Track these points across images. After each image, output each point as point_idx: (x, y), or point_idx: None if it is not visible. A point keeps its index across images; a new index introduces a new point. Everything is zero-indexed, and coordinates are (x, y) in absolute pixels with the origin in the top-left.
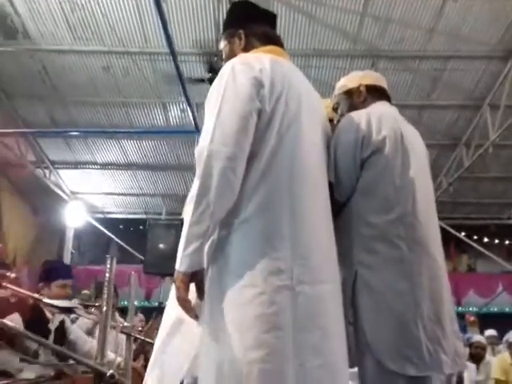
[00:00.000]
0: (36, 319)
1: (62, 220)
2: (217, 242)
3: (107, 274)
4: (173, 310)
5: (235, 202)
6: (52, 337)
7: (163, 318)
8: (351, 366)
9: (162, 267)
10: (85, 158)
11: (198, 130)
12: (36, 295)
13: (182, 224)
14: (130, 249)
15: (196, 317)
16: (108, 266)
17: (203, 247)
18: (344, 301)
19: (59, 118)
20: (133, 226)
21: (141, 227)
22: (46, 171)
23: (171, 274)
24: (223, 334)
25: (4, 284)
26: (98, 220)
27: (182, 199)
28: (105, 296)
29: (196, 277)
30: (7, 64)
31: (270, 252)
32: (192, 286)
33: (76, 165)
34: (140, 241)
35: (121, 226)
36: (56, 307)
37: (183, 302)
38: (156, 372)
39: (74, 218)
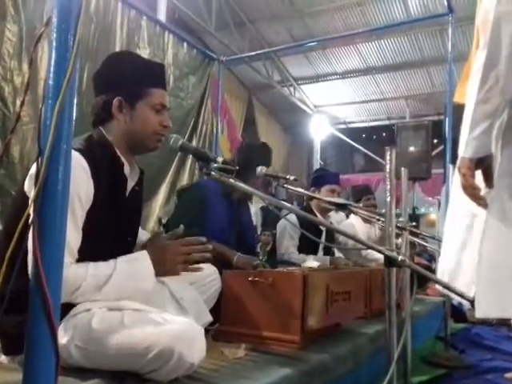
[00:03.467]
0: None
1: (308, 134)
2: (508, 122)
3: (388, 166)
4: (459, 202)
5: None
6: (324, 235)
7: (449, 215)
8: None
9: (412, 171)
10: (325, 69)
11: (451, 10)
12: (312, 194)
13: (430, 125)
14: (374, 156)
15: (486, 206)
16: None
17: (492, 129)
18: None
19: (298, 33)
20: (375, 134)
21: (383, 134)
22: (291, 89)
23: (423, 178)
24: None
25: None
26: (341, 131)
27: (428, 98)
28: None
29: (483, 163)
30: None
31: None
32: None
33: (317, 78)
34: (383, 148)
35: (363, 135)
36: (332, 203)
37: (471, 190)
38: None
39: (318, 131)
